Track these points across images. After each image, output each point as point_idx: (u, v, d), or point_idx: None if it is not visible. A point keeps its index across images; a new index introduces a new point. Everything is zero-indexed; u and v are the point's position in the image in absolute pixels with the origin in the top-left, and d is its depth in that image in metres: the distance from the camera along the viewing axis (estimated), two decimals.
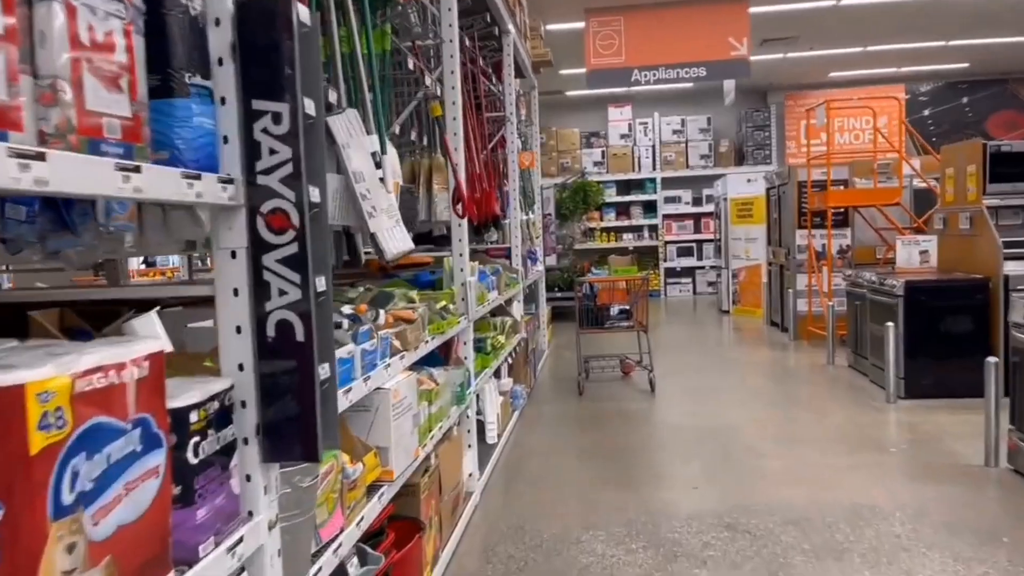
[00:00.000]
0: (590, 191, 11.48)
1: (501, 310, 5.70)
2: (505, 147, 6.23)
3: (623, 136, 14.85)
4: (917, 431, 5.04)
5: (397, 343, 2.66)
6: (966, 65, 13.62)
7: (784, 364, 7.51)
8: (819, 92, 14.16)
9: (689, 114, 14.82)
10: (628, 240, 14.97)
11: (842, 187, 8.28)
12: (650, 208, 14.92)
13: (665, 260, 14.78)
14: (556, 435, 5.38)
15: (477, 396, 4.41)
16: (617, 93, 14.37)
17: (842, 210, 8.39)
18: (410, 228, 3.10)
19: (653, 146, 14.77)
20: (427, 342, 3.06)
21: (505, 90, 6.25)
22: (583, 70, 11.91)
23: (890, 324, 5.62)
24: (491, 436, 4.79)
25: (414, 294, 3.31)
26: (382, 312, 2.65)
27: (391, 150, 2.67)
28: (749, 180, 11.53)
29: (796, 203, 8.80)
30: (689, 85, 13.82)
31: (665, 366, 7.56)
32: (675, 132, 14.75)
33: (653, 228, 14.89)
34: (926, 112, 14.31)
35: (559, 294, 11.16)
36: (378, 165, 2.44)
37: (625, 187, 15.07)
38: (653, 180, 14.81)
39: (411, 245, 2.60)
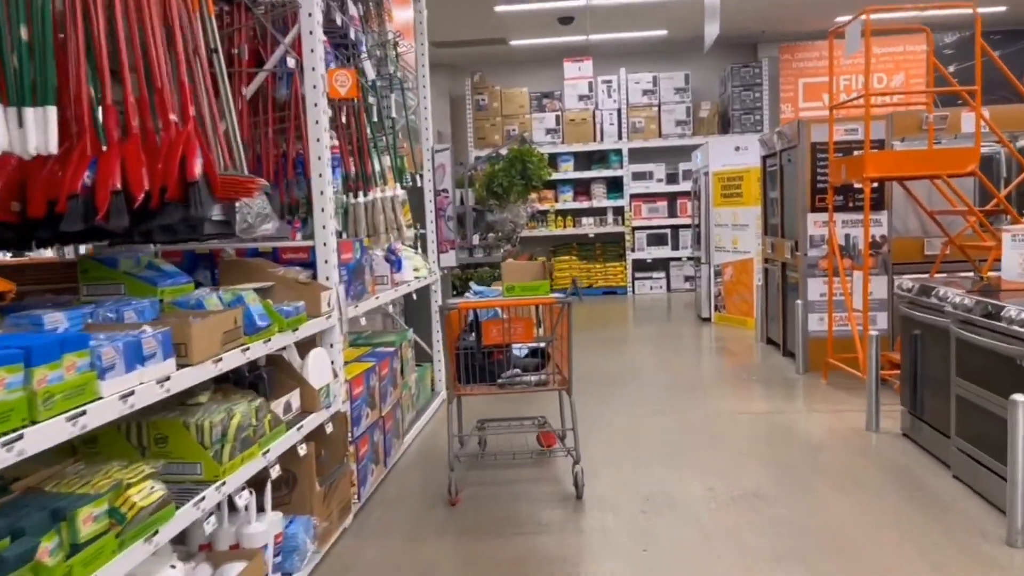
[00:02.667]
0: (529, 162, 8.76)
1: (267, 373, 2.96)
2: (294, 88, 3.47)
3: (582, 98, 12.08)
4: None
5: None
6: (1002, 9, 10.94)
7: (798, 429, 4.82)
8: (821, 44, 11.45)
9: (662, 70, 12.07)
10: (588, 226, 12.24)
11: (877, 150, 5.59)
12: (615, 186, 12.19)
13: (633, 250, 12.08)
14: None
15: None
16: (573, 43, 11.59)
17: (875, 186, 5.71)
18: None
19: (618, 110, 12.02)
20: None
21: None
22: (530, 5, 9.15)
23: (1021, 399, 2.93)
24: None
25: None
26: None
27: None
28: (738, 148, 8.82)
29: (809, 175, 6.10)
30: (662, 33, 11.08)
31: (610, 431, 4.85)
32: (645, 92, 12.00)
33: (619, 211, 12.17)
34: (951, 68, 11.64)
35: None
36: None
37: (585, 160, 12.32)
38: (619, 152, 12.07)
39: None
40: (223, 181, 2.31)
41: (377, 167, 4.79)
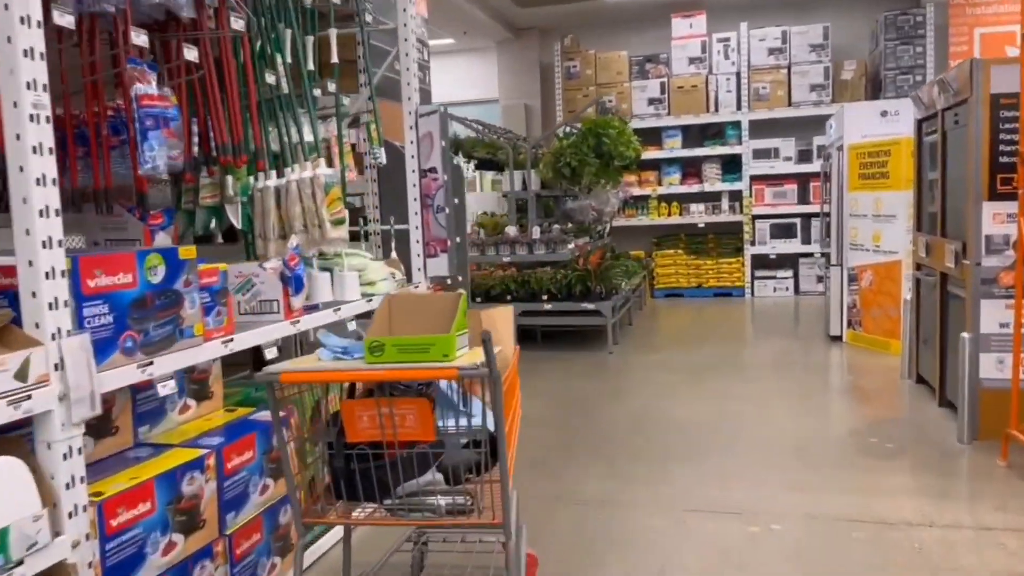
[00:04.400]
0: (605, 135, 6.96)
1: None
2: None
3: (693, 60, 10.07)
4: None
5: None
6: None
7: (962, 571, 2.88)
8: None
9: (794, 23, 9.86)
10: (698, 214, 10.25)
11: None
12: (732, 166, 10.13)
13: (753, 243, 9.99)
14: None
15: None
16: None
17: None
18: None
19: (737, 74, 9.94)
20: None
21: None
22: None
23: None
24: None
25: None
26: None
27: None
28: (885, 113, 6.66)
29: (987, 143, 4.03)
30: None
31: (642, 550, 3.09)
32: (772, 52, 9.83)
33: (736, 196, 10.11)
34: None
35: (550, 307, 6.76)
36: None
37: (696, 136, 10.32)
38: (737, 125, 10.00)
39: None
40: None
41: (309, 137, 3.26)
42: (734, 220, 10.09)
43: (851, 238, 6.72)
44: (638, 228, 10.51)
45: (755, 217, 9.97)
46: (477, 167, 7.83)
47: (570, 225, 7.41)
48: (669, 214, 10.33)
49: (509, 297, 6.88)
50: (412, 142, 4.02)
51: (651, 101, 10.22)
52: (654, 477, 3.79)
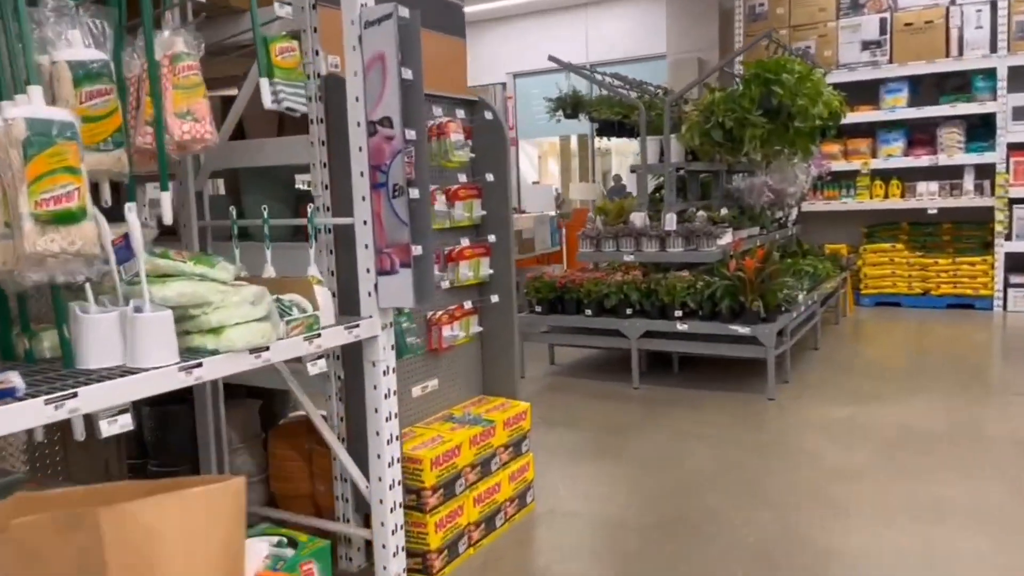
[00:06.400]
0: (775, 84, 4.78)
1: None
2: None
3: None
4: None
5: None
6: None
7: None
8: None
9: None
10: (928, 196, 7.62)
11: None
12: (980, 132, 7.40)
13: (1009, 238, 7.25)
14: None
15: None
16: None
17: None
18: None
19: (992, 2, 7.17)
20: None
21: None
22: None
23: None
24: None
25: None
26: None
27: None
28: None
29: None
30: None
31: None
32: None
33: (984, 171, 7.37)
34: None
35: (685, 327, 4.78)
36: None
37: (929, 90, 7.67)
38: (989, 74, 7.24)
39: None
40: None
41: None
42: (981, 205, 7.36)
43: None
44: (839, 214, 8.04)
45: (1012, 201, 7.19)
46: (599, 132, 5.94)
47: (724, 212, 5.33)
48: (886, 196, 7.78)
49: (629, 311, 4.98)
50: (356, 73, 2.30)
51: (865, 45, 7.70)
52: None
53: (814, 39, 7.88)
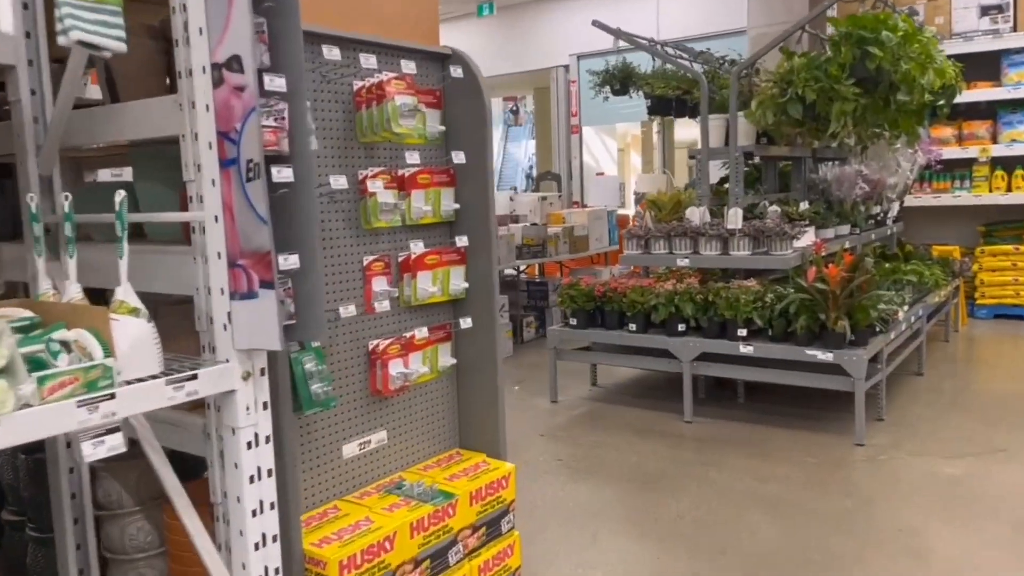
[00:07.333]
0: (872, 47, 3.74)
1: None
2: None
3: None
4: None
5: None
6: None
7: None
8: None
9: None
10: None
11: None
12: None
13: None
14: None
15: None
16: None
17: None
18: None
19: None
20: None
21: None
22: None
23: None
24: None
25: None
26: None
27: None
28: None
29: None
30: None
31: None
32: None
33: None
34: None
35: (750, 349, 3.84)
36: None
37: None
38: None
39: None
40: None
41: None
42: None
43: None
44: (951, 210, 6.83)
45: None
46: (652, 111, 5.00)
47: (804, 206, 4.34)
48: (1009, 188, 6.55)
49: (682, 327, 4.06)
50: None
51: (985, 11, 6.49)
52: None
53: (923, 4, 6.71)
